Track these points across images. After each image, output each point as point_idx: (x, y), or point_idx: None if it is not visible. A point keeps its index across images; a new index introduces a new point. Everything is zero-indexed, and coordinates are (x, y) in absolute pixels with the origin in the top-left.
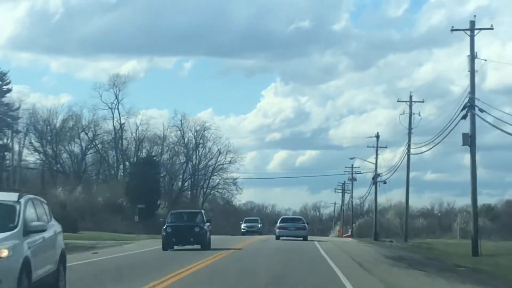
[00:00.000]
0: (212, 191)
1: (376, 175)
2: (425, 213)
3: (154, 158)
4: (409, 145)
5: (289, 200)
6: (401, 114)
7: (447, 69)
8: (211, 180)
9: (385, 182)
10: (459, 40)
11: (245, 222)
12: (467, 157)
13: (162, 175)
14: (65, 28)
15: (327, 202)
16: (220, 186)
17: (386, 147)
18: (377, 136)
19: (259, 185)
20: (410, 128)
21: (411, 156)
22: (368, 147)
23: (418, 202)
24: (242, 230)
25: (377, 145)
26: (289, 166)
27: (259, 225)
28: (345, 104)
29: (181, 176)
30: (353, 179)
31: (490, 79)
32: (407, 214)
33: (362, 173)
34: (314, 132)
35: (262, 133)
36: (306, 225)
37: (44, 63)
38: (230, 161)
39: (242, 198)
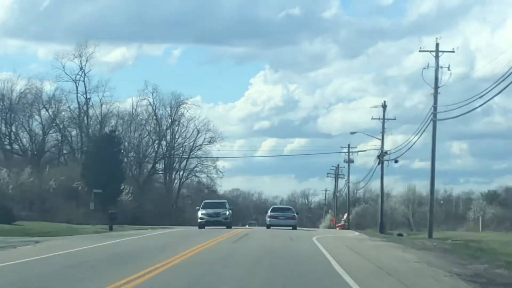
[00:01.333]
0: (190, 175)
1: (382, 153)
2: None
3: (115, 134)
4: (435, 109)
5: (276, 188)
6: (424, 68)
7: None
8: (188, 162)
9: (396, 161)
10: (449, 28)
11: (203, 208)
12: (455, 145)
13: (128, 155)
14: (53, 15)
15: (316, 189)
16: (198, 169)
17: (394, 119)
18: (384, 106)
19: (247, 173)
20: (436, 86)
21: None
22: (372, 119)
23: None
24: (200, 221)
25: (384, 116)
26: (278, 154)
27: (227, 213)
28: (334, 92)
29: (152, 157)
30: (349, 161)
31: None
32: (432, 201)
33: (365, 150)
34: (303, 120)
35: (251, 121)
36: (295, 214)
37: (32, 50)
38: (209, 141)
39: (227, 185)
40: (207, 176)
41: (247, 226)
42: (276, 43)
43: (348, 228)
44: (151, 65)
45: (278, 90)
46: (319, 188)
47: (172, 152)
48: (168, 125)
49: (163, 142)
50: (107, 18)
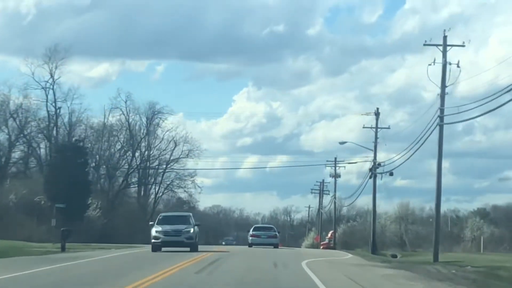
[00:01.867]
0: (166, 190)
1: (375, 165)
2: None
3: (80, 143)
4: (441, 111)
5: (258, 205)
6: (430, 64)
7: (420, 75)
8: (165, 177)
9: (391, 174)
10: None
11: (159, 224)
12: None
13: (98, 167)
14: (36, 30)
15: (298, 206)
16: (175, 183)
17: (389, 127)
18: (377, 114)
19: (229, 190)
20: (444, 86)
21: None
22: (364, 127)
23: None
24: (154, 241)
25: (377, 124)
26: (260, 171)
27: (191, 230)
28: (317, 109)
29: (124, 170)
30: (336, 175)
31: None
32: (438, 219)
33: (355, 162)
34: (286, 137)
35: (233, 138)
36: (277, 233)
37: (13, 65)
38: (187, 154)
39: (209, 201)
40: (185, 191)
41: (223, 243)
42: (259, 60)
43: (334, 248)
44: (134, 81)
45: (261, 107)
46: (302, 205)
47: (147, 164)
48: (142, 136)
49: (137, 154)
50: (90, 34)
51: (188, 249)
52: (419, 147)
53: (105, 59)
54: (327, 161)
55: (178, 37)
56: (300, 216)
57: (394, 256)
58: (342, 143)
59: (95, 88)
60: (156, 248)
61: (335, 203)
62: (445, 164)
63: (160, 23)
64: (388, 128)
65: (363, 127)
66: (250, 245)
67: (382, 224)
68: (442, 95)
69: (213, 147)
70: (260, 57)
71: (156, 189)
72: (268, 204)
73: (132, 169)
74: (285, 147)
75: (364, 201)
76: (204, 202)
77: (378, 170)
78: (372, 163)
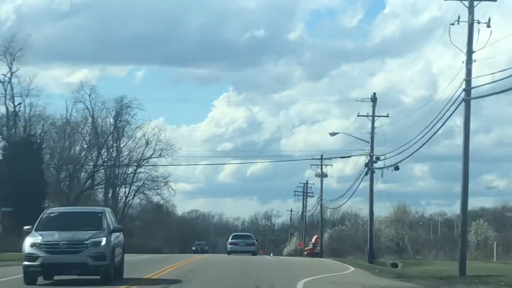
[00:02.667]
0: (137, 193)
1: (372, 159)
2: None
3: (35, 139)
4: (467, 83)
5: (238, 210)
6: (452, 24)
7: (400, 79)
8: (136, 178)
9: (397, 168)
10: (412, 50)
11: (39, 229)
12: (417, 167)
13: (59, 167)
14: (16, 35)
15: (279, 211)
16: (147, 185)
17: (387, 115)
18: (374, 99)
19: (209, 195)
20: (470, 50)
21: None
22: (358, 116)
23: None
24: (27, 264)
25: (374, 112)
26: (240, 176)
27: (102, 242)
28: (297, 114)
29: (89, 170)
30: (322, 175)
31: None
32: (465, 223)
33: (349, 156)
34: (266, 142)
35: (214, 142)
36: (255, 241)
37: None
38: (160, 154)
39: (188, 206)
40: (158, 194)
41: (193, 248)
42: (240, 65)
43: (321, 255)
44: (114, 86)
45: (241, 112)
46: (283, 210)
47: (116, 163)
48: (109, 132)
49: (104, 153)
50: (70, 39)
51: (98, 276)
52: (435, 132)
53: (84, 65)
54: (312, 158)
55: (158, 42)
56: (281, 221)
57: (395, 265)
58: (333, 134)
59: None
60: (30, 278)
61: (321, 204)
62: (424, 167)
63: (140, 28)
64: (387, 116)
65: (358, 115)
66: (229, 253)
67: (376, 229)
68: (469, 62)
69: (193, 152)
70: (240, 62)
71: (126, 192)
72: (248, 209)
73: (97, 168)
74: (266, 152)
75: (348, 204)
76: (184, 207)
77: (377, 165)
78: (369, 157)
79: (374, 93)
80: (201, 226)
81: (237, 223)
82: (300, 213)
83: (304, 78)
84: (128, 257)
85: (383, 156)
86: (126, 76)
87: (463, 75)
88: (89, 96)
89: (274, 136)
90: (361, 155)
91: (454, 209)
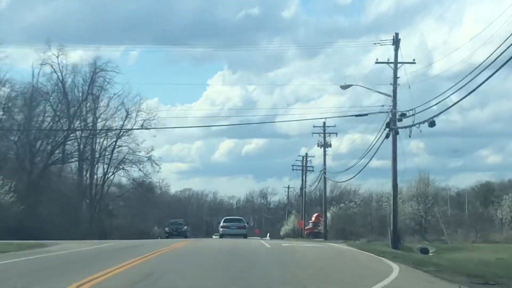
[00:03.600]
0: (116, 169)
1: (394, 116)
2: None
3: None
4: None
5: (233, 189)
6: None
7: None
8: (115, 152)
9: (432, 124)
10: (407, 25)
11: None
12: (413, 143)
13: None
14: (9, 17)
15: (275, 188)
16: (127, 161)
17: (414, 62)
18: (396, 41)
19: (205, 174)
20: None
21: None
22: (377, 62)
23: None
24: None
25: (396, 57)
26: (235, 155)
27: None
28: (292, 92)
29: (58, 142)
30: (325, 144)
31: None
32: None
33: (366, 115)
34: (261, 120)
35: (209, 122)
36: (245, 224)
37: None
38: (142, 125)
39: (183, 186)
40: (140, 170)
41: (167, 231)
42: (234, 43)
43: (325, 236)
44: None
45: (236, 91)
46: (278, 187)
47: (89, 135)
48: (81, 100)
49: (77, 124)
50: (63, 21)
51: None
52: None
53: (79, 46)
54: (314, 126)
55: (152, 21)
56: (277, 199)
57: (425, 251)
58: (345, 87)
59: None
60: None
61: (324, 178)
62: (419, 144)
63: (134, 8)
64: (413, 62)
65: (376, 62)
66: (221, 236)
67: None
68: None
69: (188, 131)
70: (235, 41)
71: (105, 168)
72: (243, 187)
73: (66, 139)
74: (261, 131)
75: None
76: (179, 187)
77: (401, 124)
78: (391, 114)
79: (397, 34)
80: (194, 205)
81: (232, 202)
82: (298, 190)
83: (299, 56)
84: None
85: (410, 112)
86: (120, 56)
87: None
88: (57, 57)
89: (269, 114)
90: (381, 112)
91: (449, 184)
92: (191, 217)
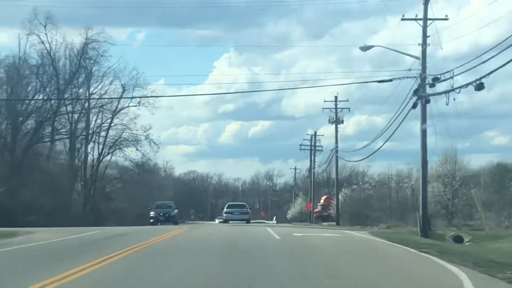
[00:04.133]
0: (112, 149)
1: (423, 78)
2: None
3: None
4: None
5: (238, 171)
6: None
7: (401, 36)
8: (111, 131)
9: (480, 87)
10: (413, 7)
11: None
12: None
13: None
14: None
15: (281, 170)
16: (124, 140)
17: (446, 18)
18: None
19: (211, 156)
20: None
21: None
22: (403, 19)
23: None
24: None
25: (426, 13)
26: (242, 137)
27: None
28: (298, 73)
29: (47, 118)
30: (337, 120)
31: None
32: None
33: (390, 80)
34: (267, 102)
35: (215, 104)
36: (248, 210)
37: None
38: (139, 102)
39: (186, 168)
40: (137, 149)
41: (152, 215)
42: (240, 25)
43: (337, 222)
44: (114, 48)
45: (242, 73)
46: (284, 169)
47: (82, 110)
48: (72, 72)
49: (68, 98)
50: (67, 2)
51: None
52: None
53: (83, 27)
54: (324, 101)
55: (158, 3)
56: (283, 180)
57: (459, 239)
58: (365, 48)
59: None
60: None
61: (336, 157)
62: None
63: None
64: (446, 19)
65: (402, 19)
66: (225, 221)
67: (415, 186)
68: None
69: (194, 114)
70: (241, 22)
71: (100, 148)
72: (249, 170)
73: (53, 115)
74: (267, 112)
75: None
76: (183, 169)
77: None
78: (420, 79)
79: None
80: (199, 188)
81: (237, 184)
82: (304, 172)
83: (305, 37)
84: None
85: (446, 75)
86: (126, 39)
87: None
88: (45, 27)
89: (275, 96)
90: (407, 77)
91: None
92: (195, 199)
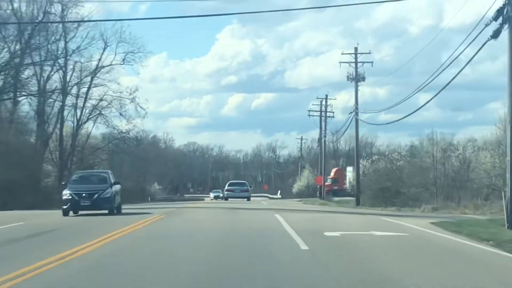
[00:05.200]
0: (93, 114)
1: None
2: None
3: None
4: None
5: (240, 143)
6: None
7: (405, 8)
8: (90, 93)
9: None
10: None
11: None
12: (422, 97)
13: None
14: None
15: (284, 141)
16: (106, 106)
17: None
18: None
19: (214, 129)
20: None
21: None
22: None
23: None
24: None
25: None
26: (245, 109)
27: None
28: (302, 46)
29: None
30: (357, 77)
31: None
32: None
33: None
34: (271, 74)
35: (218, 76)
36: (249, 188)
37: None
38: (123, 59)
39: (185, 139)
40: (121, 114)
41: (66, 195)
42: None
43: (358, 202)
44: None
45: (246, 45)
46: (287, 141)
47: (53, 64)
48: (38, 22)
49: (34, 55)
50: None
51: None
52: None
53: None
54: (342, 53)
55: None
56: (287, 152)
57: None
58: None
59: (77, 28)
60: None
61: (356, 120)
62: (428, 97)
63: None
64: None
65: None
66: (226, 199)
67: (459, 158)
68: None
69: (197, 86)
70: None
71: (78, 113)
72: (251, 142)
73: (15, 70)
74: (270, 85)
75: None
76: (185, 141)
77: None
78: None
79: None
80: (199, 160)
81: (239, 156)
82: (310, 143)
83: (309, 9)
84: None
85: None
86: (128, 10)
87: None
88: None
89: (278, 68)
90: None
91: (458, 137)
92: (195, 172)
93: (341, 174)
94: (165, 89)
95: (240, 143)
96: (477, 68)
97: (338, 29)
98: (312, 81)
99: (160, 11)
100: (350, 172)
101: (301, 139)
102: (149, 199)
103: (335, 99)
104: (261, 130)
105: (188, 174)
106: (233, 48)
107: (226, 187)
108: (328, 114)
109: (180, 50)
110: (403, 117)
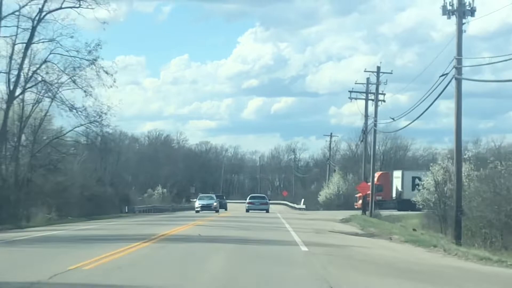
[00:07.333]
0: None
1: None
2: None
3: None
4: None
5: (258, 144)
6: None
7: (429, 14)
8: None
9: None
10: None
11: None
12: (442, 104)
13: None
14: None
15: (304, 143)
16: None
17: None
18: None
19: (233, 132)
20: None
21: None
22: None
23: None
24: None
25: None
26: (264, 113)
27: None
28: (324, 50)
29: None
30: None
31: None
32: None
33: None
34: (292, 78)
35: (239, 79)
36: (268, 201)
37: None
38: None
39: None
40: (74, 82)
41: None
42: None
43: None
44: (141, 22)
45: (268, 48)
46: (307, 143)
47: None
48: None
49: None
50: None
51: None
52: None
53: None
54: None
55: None
56: (307, 155)
57: None
58: None
59: (103, 29)
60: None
61: (375, 130)
62: (451, 104)
63: None
64: None
65: None
66: (247, 211)
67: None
68: None
69: (217, 89)
70: None
71: (9, 78)
72: (268, 144)
73: None
74: (291, 89)
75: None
76: (191, 140)
77: None
78: None
79: None
80: (212, 161)
81: (255, 158)
82: (336, 143)
83: (332, 13)
84: None
85: None
86: (153, 12)
87: None
88: None
89: (300, 72)
90: None
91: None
92: (207, 174)
93: (386, 180)
94: (186, 91)
95: (256, 145)
96: (500, 76)
97: (361, 34)
98: (333, 86)
99: (183, 12)
100: (397, 178)
101: (330, 135)
102: (126, 210)
103: (391, 72)
104: (280, 134)
105: (199, 177)
106: (255, 51)
107: (247, 200)
108: (379, 96)
109: (202, 52)
110: None
